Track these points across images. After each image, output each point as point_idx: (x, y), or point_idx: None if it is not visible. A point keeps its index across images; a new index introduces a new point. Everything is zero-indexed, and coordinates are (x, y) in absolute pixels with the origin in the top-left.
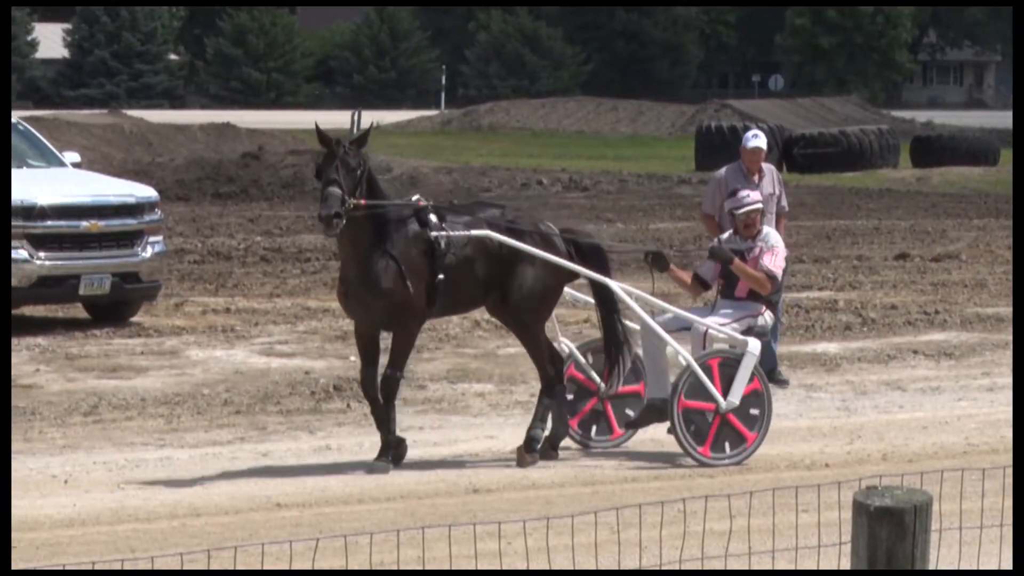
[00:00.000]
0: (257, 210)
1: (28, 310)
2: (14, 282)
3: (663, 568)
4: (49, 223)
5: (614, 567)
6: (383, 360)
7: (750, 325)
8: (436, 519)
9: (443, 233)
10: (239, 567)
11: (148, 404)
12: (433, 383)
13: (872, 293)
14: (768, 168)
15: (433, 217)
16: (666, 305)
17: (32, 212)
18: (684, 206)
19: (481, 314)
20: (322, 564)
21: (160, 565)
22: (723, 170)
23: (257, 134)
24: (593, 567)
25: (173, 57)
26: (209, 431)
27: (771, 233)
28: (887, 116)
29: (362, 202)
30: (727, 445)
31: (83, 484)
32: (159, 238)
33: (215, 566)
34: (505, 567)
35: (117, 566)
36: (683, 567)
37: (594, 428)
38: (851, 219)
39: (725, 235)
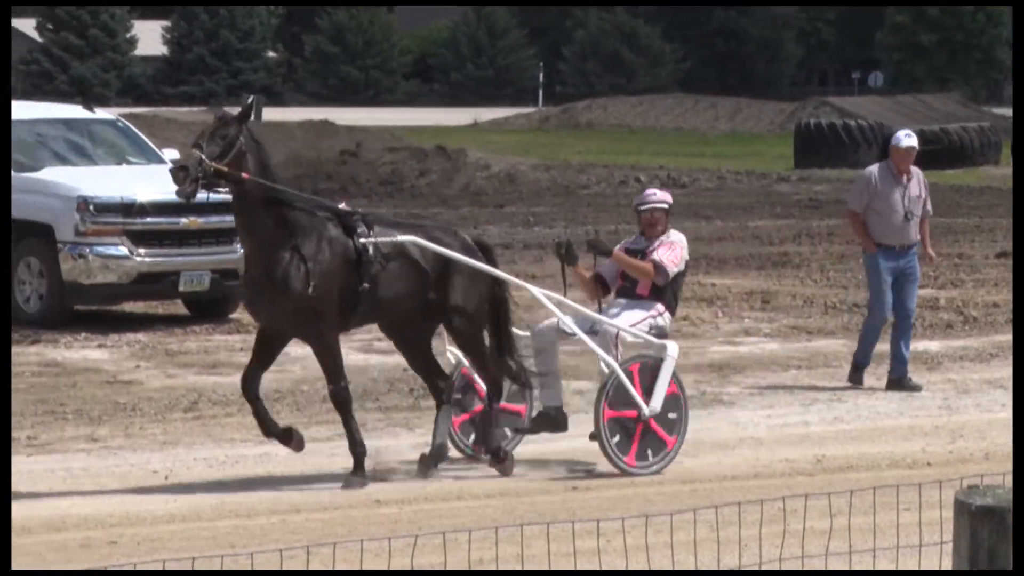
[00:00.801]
0: (355, 207)
1: (128, 307)
2: (114, 278)
3: (763, 568)
4: (149, 220)
5: (713, 566)
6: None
7: (650, 326)
8: (535, 516)
9: (371, 240)
10: (338, 564)
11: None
12: None
13: (974, 291)
14: (916, 171)
15: (362, 224)
16: (575, 305)
17: (132, 209)
18: (783, 204)
19: None
20: (421, 561)
21: (259, 561)
22: (873, 168)
23: (355, 131)
24: (692, 566)
25: (271, 55)
26: (308, 428)
27: (674, 233)
28: (988, 113)
29: (244, 176)
30: (650, 452)
31: (183, 480)
32: None
33: (314, 563)
34: (604, 565)
35: (217, 562)
36: (783, 566)
37: (473, 435)
38: (952, 217)
39: (631, 238)
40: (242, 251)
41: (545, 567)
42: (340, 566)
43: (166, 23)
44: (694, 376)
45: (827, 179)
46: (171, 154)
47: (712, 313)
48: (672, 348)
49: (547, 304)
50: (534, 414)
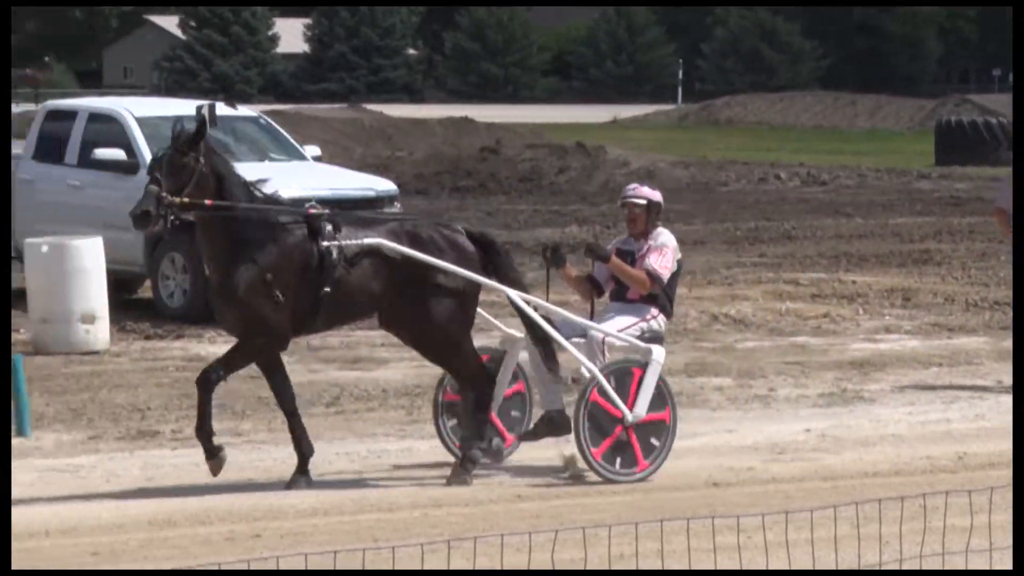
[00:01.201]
0: (495, 203)
1: None
2: None
3: (901, 568)
4: None
5: (853, 563)
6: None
7: (643, 330)
8: (675, 512)
9: (335, 243)
10: (478, 558)
11: (389, 395)
12: (672, 376)
13: None
14: None
15: (327, 227)
16: (560, 311)
17: None
18: (924, 201)
19: (720, 307)
20: (561, 555)
21: (401, 555)
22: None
23: (495, 128)
24: (832, 564)
25: (412, 52)
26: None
27: (663, 233)
28: None
29: (207, 203)
30: (618, 461)
31: (326, 474)
32: None
33: (455, 557)
34: (744, 562)
35: (359, 555)
36: (923, 564)
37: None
38: None
39: (623, 236)
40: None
41: (685, 563)
42: (480, 561)
43: (307, 21)
44: (835, 373)
45: (968, 176)
46: (312, 151)
47: (853, 310)
48: (658, 353)
49: (525, 308)
50: (535, 419)
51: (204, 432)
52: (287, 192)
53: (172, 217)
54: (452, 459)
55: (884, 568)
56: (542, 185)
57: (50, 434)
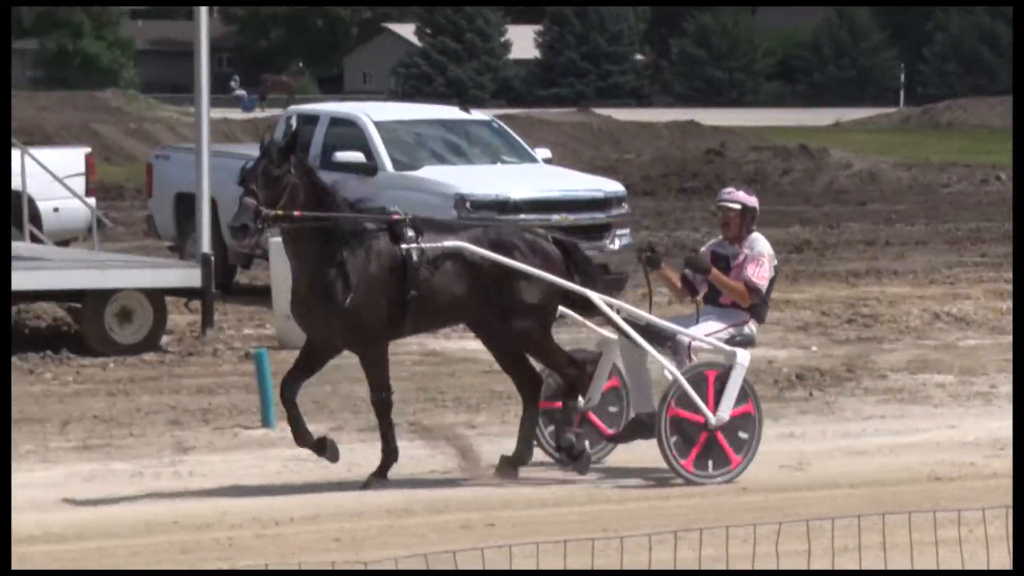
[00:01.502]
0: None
1: None
2: None
3: None
4: (522, 216)
5: None
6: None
7: (733, 335)
8: (897, 506)
9: (415, 246)
10: (705, 550)
11: None
12: (894, 373)
13: None
14: None
15: (409, 231)
16: (647, 315)
17: (506, 206)
18: None
19: (942, 305)
20: (785, 547)
21: (629, 544)
22: None
23: (720, 131)
24: None
25: (639, 57)
26: None
27: (758, 240)
28: None
29: (296, 214)
30: (711, 464)
31: (556, 466)
32: (626, 231)
33: (682, 548)
34: (965, 555)
35: (588, 545)
36: None
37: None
38: None
39: (714, 240)
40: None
41: (907, 557)
42: (706, 551)
43: (539, 27)
44: None
45: None
46: (543, 153)
47: None
48: (742, 356)
49: (609, 312)
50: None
51: (396, 452)
52: (519, 193)
53: (266, 229)
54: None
55: None
56: (766, 186)
57: None
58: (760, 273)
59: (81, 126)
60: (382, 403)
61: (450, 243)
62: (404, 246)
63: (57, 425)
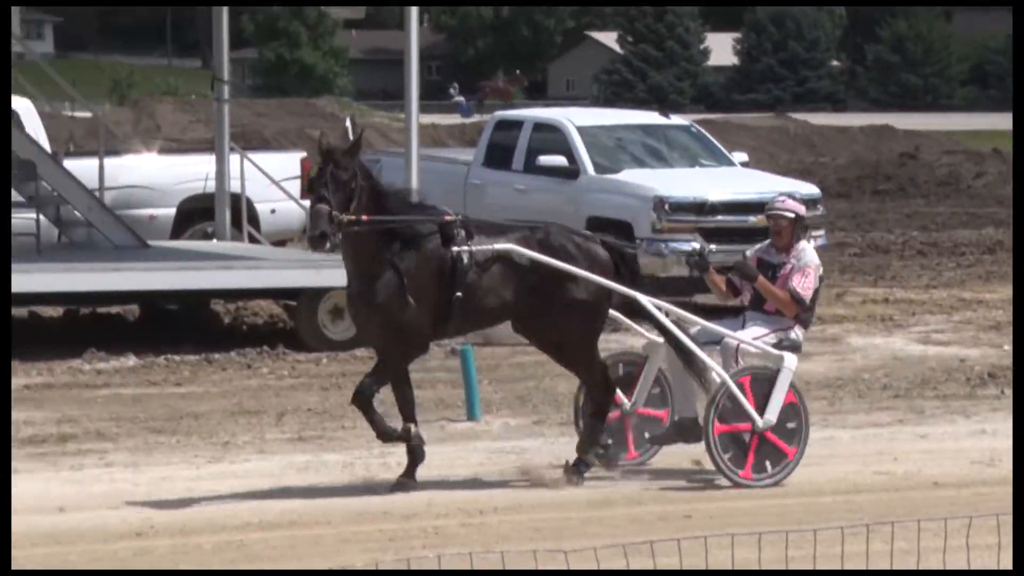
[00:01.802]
0: (913, 206)
1: (699, 299)
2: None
3: None
4: (719, 218)
5: None
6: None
7: (780, 339)
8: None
9: (465, 248)
10: (898, 543)
11: (812, 387)
12: None
13: None
14: None
15: (461, 232)
16: (696, 318)
17: (704, 208)
18: None
19: None
20: (976, 540)
21: (822, 537)
22: None
23: (913, 135)
24: None
25: (835, 63)
26: (869, 413)
27: (806, 251)
28: None
29: (364, 218)
30: (768, 464)
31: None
32: (821, 233)
33: (874, 541)
34: None
35: (782, 537)
36: None
37: (609, 441)
38: None
39: (760, 245)
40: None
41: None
42: (898, 544)
43: (736, 34)
44: None
45: None
46: (740, 157)
47: None
48: (790, 360)
49: (658, 315)
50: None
51: (388, 436)
52: (716, 195)
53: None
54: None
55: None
56: (959, 189)
57: (497, 419)
58: (805, 284)
59: (297, 131)
60: (367, 391)
61: (500, 246)
62: (455, 248)
63: (273, 417)
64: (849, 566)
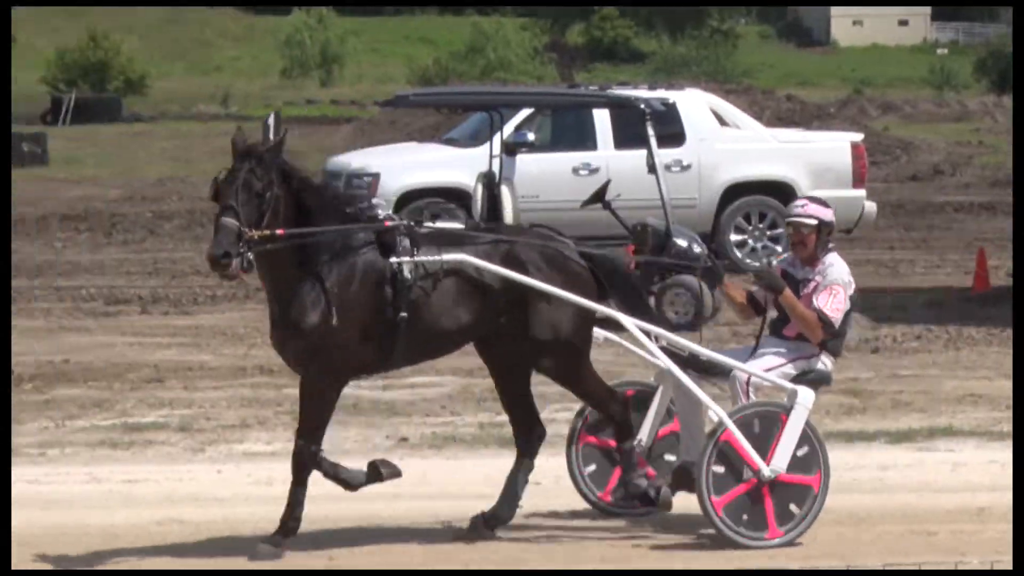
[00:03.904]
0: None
1: None
2: None
3: None
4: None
5: None
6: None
7: (804, 369)
8: None
9: (406, 259)
10: None
11: None
12: None
13: None
14: None
15: (405, 241)
16: (694, 345)
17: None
18: None
19: None
20: None
21: None
22: None
23: None
24: None
25: None
26: None
27: (835, 266)
28: None
29: (279, 232)
30: (793, 507)
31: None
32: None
33: None
34: None
35: None
36: None
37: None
38: None
39: (784, 257)
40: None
41: None
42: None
43: None
44: None
45: None
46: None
47: None
48: (805, 395)
49: (644, 340)
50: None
51: (297, 520)
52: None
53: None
54: None
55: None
56: None
57: None
58: (835, 304)
59: None
60: (304, 455)
61: (451, 256)
62: (394, 259)
63: None
64: None
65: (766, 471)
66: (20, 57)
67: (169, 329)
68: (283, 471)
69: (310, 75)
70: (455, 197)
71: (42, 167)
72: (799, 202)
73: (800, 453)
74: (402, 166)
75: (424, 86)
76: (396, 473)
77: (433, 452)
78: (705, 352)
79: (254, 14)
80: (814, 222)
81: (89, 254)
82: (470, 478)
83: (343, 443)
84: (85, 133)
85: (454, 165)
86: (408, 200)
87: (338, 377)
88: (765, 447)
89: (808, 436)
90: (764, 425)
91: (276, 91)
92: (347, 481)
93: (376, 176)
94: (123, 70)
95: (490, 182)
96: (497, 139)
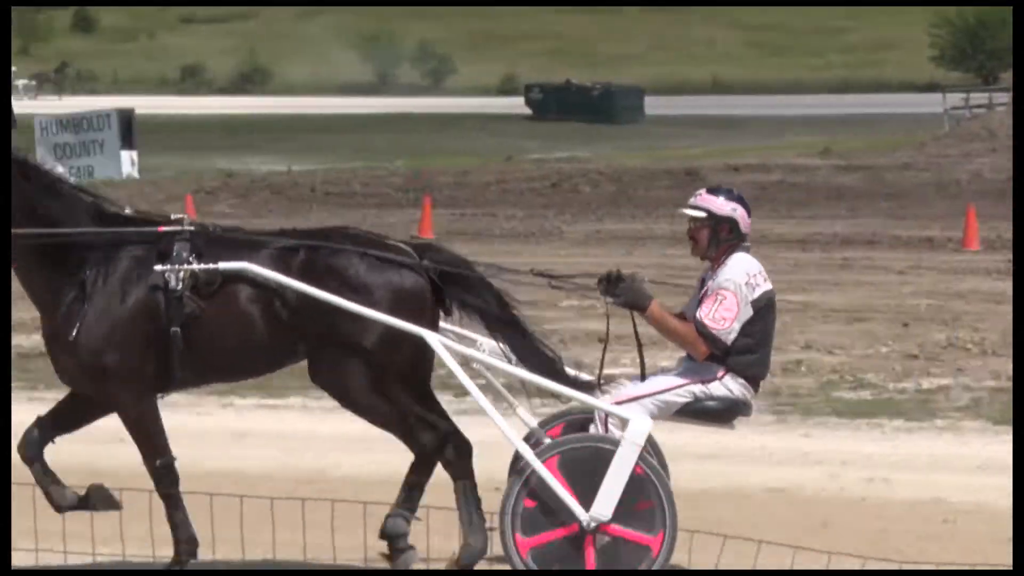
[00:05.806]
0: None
1: None
2: None
3: None
4: None
5: None
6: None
7: (696, 396)
8: None
9: (175, 268)
10: None
11: None
12: None
13: None
14: None
15: (184, 248)
16: (517, 370)
17: None
18: None
19: None
20: None
21: None
22: None
23: None
24: None
25: None
26: None
27: (728, 266)
28: None
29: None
30: (555, 567)
31: None
32: None
33: None
34: None
35: None
36: None
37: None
38: None
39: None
40: None
41: None
42: None
43: None
44: None
45: None
46: None
47: None
48: (635, 428)
49: (448, 360)
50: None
51: (193, 539)
52: None
53: None
54: None
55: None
56: None
57: None
58: (719, 313)
59: None
60: (161, 473)
61: (228, 264)
62: (159, 268)
63: None
64: None
65: (583, 517)
66: None
67: None
68: None
69: None
70: None
71: None
72: (697, 192)
73: (634, 502)
74: None
75: None
76: (114, 506)
77: None
78: (534, 379)
79: None
80: (703, 215)
81: None
82: None
83: None
84: None
85: None
86: None
87: (134, 391)
88: (591, 489)
89: (647, 482)
90: (593, 464)
91: None
92: (54, 499)
93: None
94: None
95: None
96: None
